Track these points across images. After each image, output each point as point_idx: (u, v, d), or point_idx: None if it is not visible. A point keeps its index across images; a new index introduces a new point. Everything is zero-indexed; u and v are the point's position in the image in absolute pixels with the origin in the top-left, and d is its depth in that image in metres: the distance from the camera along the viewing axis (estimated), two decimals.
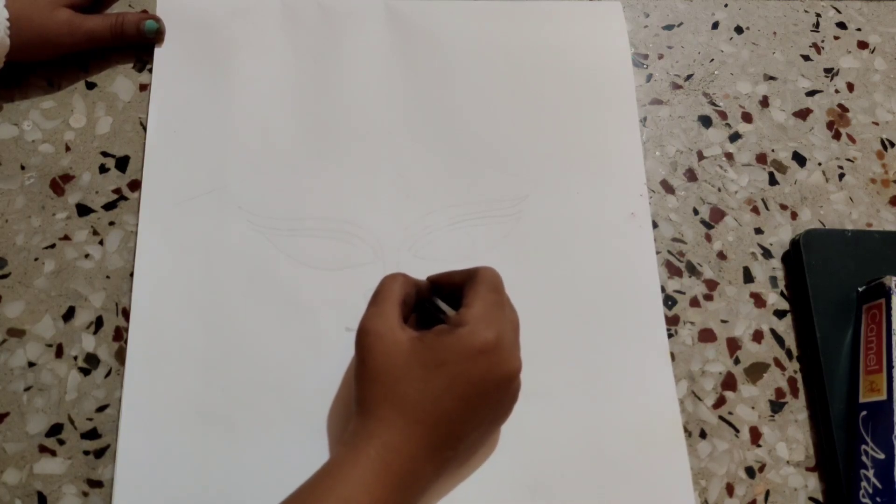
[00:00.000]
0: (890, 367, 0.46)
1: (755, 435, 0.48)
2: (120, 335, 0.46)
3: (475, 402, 0.38)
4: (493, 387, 0.38)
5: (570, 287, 0.50)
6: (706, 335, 0.50)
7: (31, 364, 0.45)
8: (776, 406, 0.49)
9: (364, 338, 0.39)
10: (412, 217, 0.50)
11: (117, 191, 0.50)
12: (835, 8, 0.61)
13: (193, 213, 0.49)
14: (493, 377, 0.38)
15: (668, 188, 0.54)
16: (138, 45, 0.53)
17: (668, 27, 0.59)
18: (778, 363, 0.50)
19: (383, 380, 0.38)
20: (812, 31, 0.60)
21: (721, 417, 0.48)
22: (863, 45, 0.60)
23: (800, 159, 0.56)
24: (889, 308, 0.47)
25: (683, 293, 0.51)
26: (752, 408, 0.49)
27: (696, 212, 0.53)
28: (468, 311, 0.39)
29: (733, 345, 0.50)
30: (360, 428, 0.38)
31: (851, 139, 0.57)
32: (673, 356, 0.49)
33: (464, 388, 0.37)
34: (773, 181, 0.55)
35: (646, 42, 0.58)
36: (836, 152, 0.56)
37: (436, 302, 0.43)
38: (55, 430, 0.44)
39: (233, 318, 0.47)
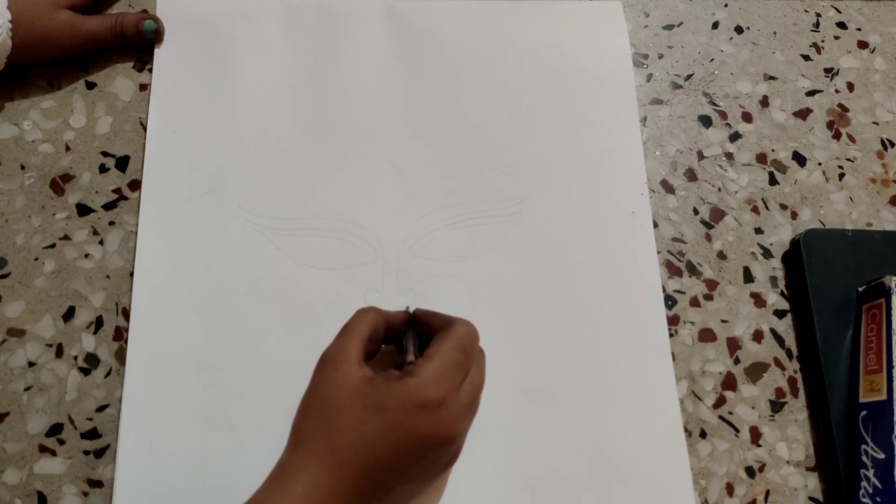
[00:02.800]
0: (890, 367, 0.46)
1: (755, 435, 0.48)
2: (120, 335, 0.46)
3: (408, 457, 0.36)
4: (429, 445, 0.37)
5: (570, 287, 0.50)
6: (706, 335, 0.50)
7: (31, 364, 0.45)
8: (776, 406, 0.49)
9: (319, 365, 0.39)
10: (412, 217, 0.50)
11: (117, 191, 0.50)
12: (835, 8, 0.61)
13: (193, 212, 0.49)
14: (430, 436, 0.36)
15: (668, 188, 0.54)
16: (138, 45, 0.53)
17: (668, 27, 0.59)
18: (778, 363, 0.50)
19: (324, 412, 0.37)
20: (812, 30, 0.60)
21: (721, 417, 0.48)
22: (863, 44, 0.60)
23: (800, 159, 0.56)
24: (889, 308, 0.47)
25: (683, 293, 0.51)
26: (752, 408, 0.49)
27: (696, 212, 0.53)
28: (423, 364, 0.37)
29: (733, 345, 0.50)
30: (290, 461, 0.36)
31: (851, 139, 0.57)
32: (673, 356, 0.49)
33: (399, 439, 0.36)
34: (773, 181, 0.55)
35: (646, 42, 0.58)
36: (836, 152, 0.56)
37: (405, 340, 0.42)
38: (55, 429, 0.44)
39: (233, 318, 0.47)
